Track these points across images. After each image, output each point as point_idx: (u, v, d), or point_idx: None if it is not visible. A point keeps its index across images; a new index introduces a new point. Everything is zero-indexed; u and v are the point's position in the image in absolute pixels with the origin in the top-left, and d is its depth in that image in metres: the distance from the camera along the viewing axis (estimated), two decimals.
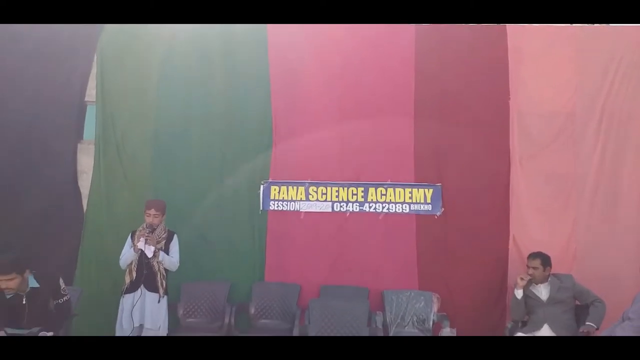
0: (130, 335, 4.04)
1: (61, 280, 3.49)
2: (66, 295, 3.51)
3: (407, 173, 4.88)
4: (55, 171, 5.05)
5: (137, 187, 4.97)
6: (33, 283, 3.34)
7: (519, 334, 4.00)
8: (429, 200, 4.84)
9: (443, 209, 4.79)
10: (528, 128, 4.76)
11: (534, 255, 4.10)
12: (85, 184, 5.07)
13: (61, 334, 3.42)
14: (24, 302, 3.29)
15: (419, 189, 4.86)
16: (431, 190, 4.84)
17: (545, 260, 4.06)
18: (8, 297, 3.23)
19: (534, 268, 4.05)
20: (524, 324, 4.13)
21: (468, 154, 4.81)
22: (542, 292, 4.04)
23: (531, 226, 4.66)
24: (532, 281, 4.06)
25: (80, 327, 4.24)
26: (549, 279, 4.06)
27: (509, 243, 4.68)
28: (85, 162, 5.12)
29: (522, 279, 4.06)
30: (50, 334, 3.23)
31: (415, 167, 4.87)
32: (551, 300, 3.99)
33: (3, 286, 3.14)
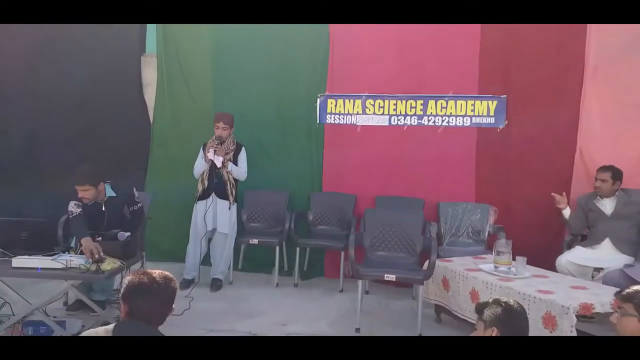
0: (203, 238, 4.40)
1: (135, 190, 3.79)
2: (139, 202, 3.81)
3: (470, 85, 4.68)
4: (121, 84, 5.26)
5: (199, 100, 5.11)
6: (110, 192, 3.64)
7: (578, 247, 3.95)
8: (492, 113, 4.66)
9: (507, 121, 4.62)
10: (607, 36, 4.35)
11: (605, 168, 3.94)
12: (150, 95, 5.27)
13: (137, 235, 3.76)
14: (103, 209, 3.61)
15: (482, 101, 4.67)
16: (495, 103, 4.65)
17: (616, 174, 3.90)
18: (89, 205, 3.54)
19: (603, 180, 3.91)
20: (584, 237, 4.07)
21: (538, 63, 4.50)
22: (607, 206, 3.92)
23: (601, 140, 4.40)
24: (598, 194, 3.94)
25: (153, 229, 4.64)
26: (616, 194, 3.91)
27: (574, 157, 4.49)
28: (149, 74, 5.28)
29: (558, 202, 4.11)
30: (127, 234, 3.56)
31: (479, 79, 4.65)
32: (616, 214, 3.87)
33: (80, 195, 3.45)
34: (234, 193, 4.43)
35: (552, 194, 4.19)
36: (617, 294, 2.19)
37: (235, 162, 4.44)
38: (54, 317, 3.36)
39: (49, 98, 5.22)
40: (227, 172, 4.38)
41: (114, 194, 3.63)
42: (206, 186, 4.39)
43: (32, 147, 5.23)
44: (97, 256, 3.14)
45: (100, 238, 3.41)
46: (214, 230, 4.46)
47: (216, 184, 4.36)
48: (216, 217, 4.42)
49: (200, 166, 4.42)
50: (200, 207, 4.43)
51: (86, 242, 3.24)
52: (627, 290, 2.15)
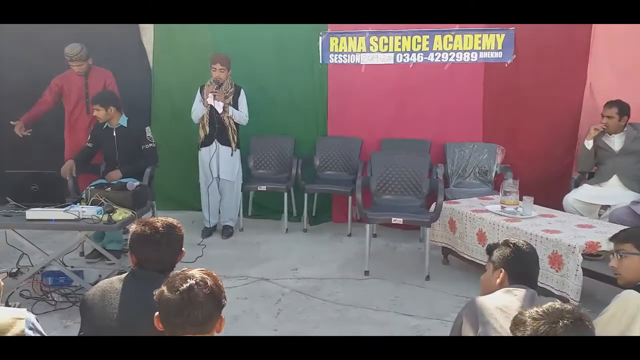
0: (210, 185, 4.42)
1: (148, 129, 4.01)
2: (152, 143, 4.00)
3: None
4: (118, 27, 5.07)
5: (198, 41, 4.96)
6: (123, 122, 3.93)
7: (585, 185, 3.96)
8: (499, 47, 4.52)
9: (515, 55, 4.49)
10: None
11: (610, 104, 3.85)
12: (147, 39, 5.09)
13: (145, 181, 3.79)
14: (113, 134, 3.91)
15: (490, 35, 4.52)
16: (503, 36, 4.49)
17: (623, 109, 3.81)
18: (102, 129, 3.97)
19: (609, 117, 3.83)
20: (591, 175, 4.07)
21: None
22: (615, 142, 3.87)
23: (611, 73, 4.29)
24: (606, 131, 3.88)
25: (162, 178, 4.64)
26: (625, 129, 3.86)
27: (584, 92, 4.40)
28: None
29: (595, 129, 3.89)
30: (136, 183, 3.58)
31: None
32: (624, 150, 3.84)
33: (94, 114, 3.95)
34: (235, 139, 4.38)
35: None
36: (612, 238, 2.20)
37: (235, 106, 4.34)
38: (72, 267, 3.46)
39: (43, 42, 5.05)
40: (228, 117, 4.30)
41: (125, 125, 3.92)
42: (208, 132, 4.33)
43: (33, 97, 5.15)
44: (67, 177, 3.80)
45: (109, 188, 3.45)
46: (220, 177, 4.46)
47: (218, 129, 4.30)
48: (219, 164, 4.40)
49: (199, 110, 4.32)
50: (204, 154, 4.40)
51: (68, 162, 3.89)
52: (622, 233, 2.18)
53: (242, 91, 4.39)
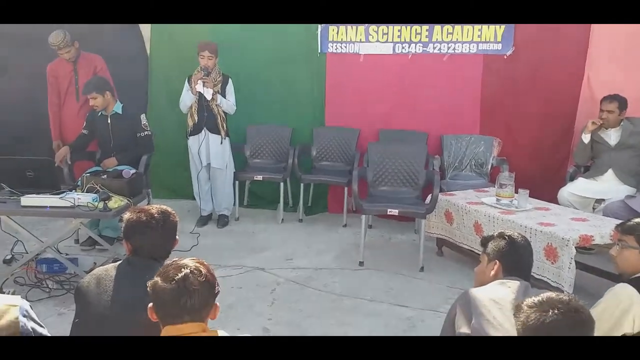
0: (200, 172, 4.40)
1: (143, 116, 3.99)
2: (147, 131, 3.98)
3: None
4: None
5: (196, 30, 4.90)
6: (118, 109, 3.93)
7: (580, 178, 3.97)
8: (499, 39, 4.50)
9: (514, 47, 4.47)
10: None
11: (610, 98, 3.84)
12: (145, 27, 5.05)
13: (141, 169, 3.78)
14: (108, 121, 3.89)
15: (490, 27, 4.50)
16: (503, 28, 4.48)
17: (622, 103, 3.82)
18: (97, 117, 3.93)
19: (609, 112, 3.83)
20: (587, 168, 4.07)
21: None
22: (612, 136, 3.88)
23: (609, 66, 4.28)
24: (603, 125, 3.88)
25: (158, 166, 4.65)
26: (621, 123, 3.86)
27: (582, 85, 4.40)
28: None
29: (593, 123, 3.88)
30: (132, 171, 3.57)
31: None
32: (620, 145, 3.84)
33: (91, 104, 3.88)
34: (224, 127, 4.35)
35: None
36: (618, 226, 2.21)
37: (223, 94, 4.30)
38: (66, 254, 3.46)
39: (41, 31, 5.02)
40: (216, 105, 4.26)
41: (120, 112, 3.91)
42: (197, 121, 4.29)
43: (31, 85, 5.10)
44: (61, 163, 3.77)
45: (105, 176, 3.44)
46: (209, 165, 4.43)
47: (207, 117, 4.26)
48: (209, 152, 4.37)
49: (187, 99, 4.29)
50: (193, 142, 4.37)
51: (63, 149, 3.90)
52: (629, 223, 2.16)
53: (229, 80, 4.36)
